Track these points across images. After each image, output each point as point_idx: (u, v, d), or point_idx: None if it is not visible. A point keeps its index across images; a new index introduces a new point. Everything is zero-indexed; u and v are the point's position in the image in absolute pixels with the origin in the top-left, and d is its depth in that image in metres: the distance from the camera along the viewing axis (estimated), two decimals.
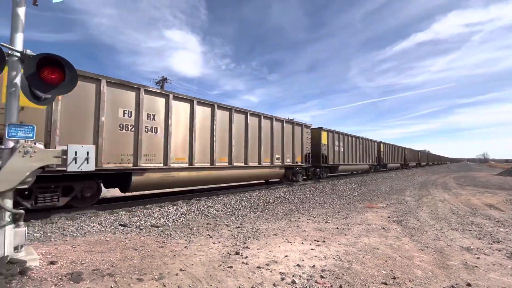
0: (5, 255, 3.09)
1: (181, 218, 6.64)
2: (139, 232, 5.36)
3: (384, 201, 9.95)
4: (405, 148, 39.44)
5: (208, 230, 5.63)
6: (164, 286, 2.98)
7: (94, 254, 3.88)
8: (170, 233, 5.30)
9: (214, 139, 9.39)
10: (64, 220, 5.81)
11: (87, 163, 3.44)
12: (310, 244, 4.63)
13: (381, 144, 28.23)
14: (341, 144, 19.26)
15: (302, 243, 4.69)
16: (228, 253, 4.11)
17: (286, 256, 4.02)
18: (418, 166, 50.30)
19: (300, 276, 3.34)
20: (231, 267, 3.54)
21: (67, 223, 5.59)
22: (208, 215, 7.16)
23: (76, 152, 3.34)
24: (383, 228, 5.84)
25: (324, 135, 17.08)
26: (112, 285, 2.94)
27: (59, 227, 5.32)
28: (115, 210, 6.89)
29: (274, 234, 5.27)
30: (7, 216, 3.13)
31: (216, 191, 10.77)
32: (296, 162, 13.99)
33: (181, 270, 3.43)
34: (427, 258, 4.13)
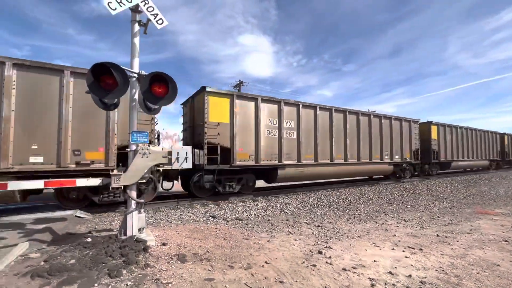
0: (133, 234, 3.94)
1: (262, 214, 6.99)
2: (226, 224, 5.92)
3: (504, 206, 7.94)
4: None
5: (288, 226, 5.74)
6: (252, 275, 3.20)
7: (193, 240, 4.52)
8: (253, 227, 5.65)
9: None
10: (168, 210, 6.97)
11: (186, 162, 4.03)
12: (403, 251, 4.13)
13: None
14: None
15: (393, 249, 4.23)
16: (310, 251, 4.09)
17: (375, 261, 3.71)
18: None
19: (393, 285, 3.03)
20: (314, 265, 3.52)
21: (171, 212, 6.68)
22: (287, 212, 7.29)
23: (178, 153, 3.96)
24: (506, 241, 4.68)
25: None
26: (209, 269, 3.35)
27: (165, 215, 6.41)
28: (205, 203, 7.81)
29: (358, 236, 4.94)
30: (133, 204, 3.98)
31: (294, 189, 10.83)
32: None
33: (266, 262, 3.62)
34: None
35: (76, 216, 5.93)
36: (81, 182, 3.63)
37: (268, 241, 4.65)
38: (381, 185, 12.21)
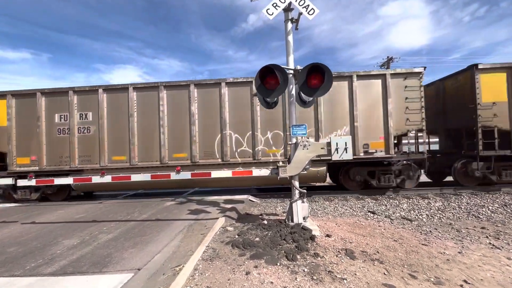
0: (299, 222, 4.20)
1: (438, 215, 5.60)
2: (391, 223, 5.18)
3: None
4: None
5: (487, 237, 4.23)
6: None
7: (356, 236, 4.24)
8: (430, 231, 4.59)
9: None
10: (323, 200, 7.04)
11: (346, 152, 3.80)
12: None
13: None
14: None
15: None
16: None
17: None
18: None
19: None
20: None
21: (325, 203, 6.70)
22: (480, 216, 5.43)
23: (337, 143, 3.80)
24: None
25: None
26: (385, 273, 2.97)
27: (320, 206, 6.51)
28: (360, 197, 7.28)
29: None
30: (297, 194, 4.23)
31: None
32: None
33: (465, 282, 2.77)
34: None
35: (249, 200, 7.20)
36: (255, 172, 4.27)
37: (459, 252, 3.60)
38: None
